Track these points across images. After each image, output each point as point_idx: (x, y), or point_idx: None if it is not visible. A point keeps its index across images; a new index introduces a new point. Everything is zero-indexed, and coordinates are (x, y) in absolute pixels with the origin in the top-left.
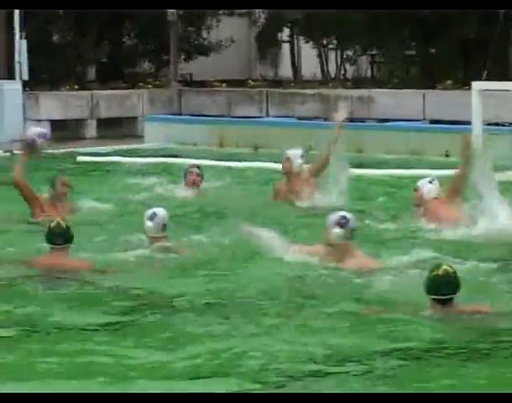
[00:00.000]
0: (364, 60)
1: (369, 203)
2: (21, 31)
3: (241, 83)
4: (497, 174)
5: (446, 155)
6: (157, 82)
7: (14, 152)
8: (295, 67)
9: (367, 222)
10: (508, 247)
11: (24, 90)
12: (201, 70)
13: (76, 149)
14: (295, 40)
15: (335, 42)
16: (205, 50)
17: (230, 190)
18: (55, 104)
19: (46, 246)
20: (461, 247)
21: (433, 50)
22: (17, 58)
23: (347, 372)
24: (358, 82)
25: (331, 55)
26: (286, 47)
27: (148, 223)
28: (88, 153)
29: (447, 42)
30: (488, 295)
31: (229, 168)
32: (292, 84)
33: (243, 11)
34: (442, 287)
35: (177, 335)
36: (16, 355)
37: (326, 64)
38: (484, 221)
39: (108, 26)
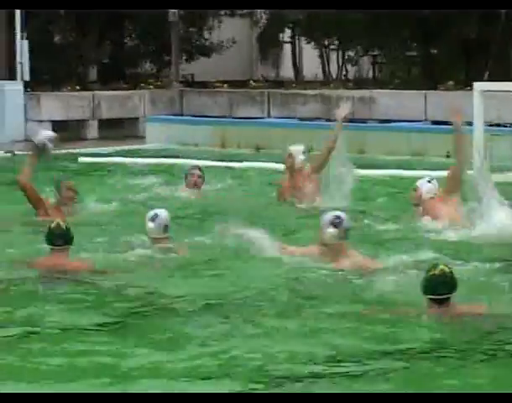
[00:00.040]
0: (366, 61)
1: (370, 203)
2: (22, 31)
3: (242, 84)
4: (497, 175)
5: (448, 156)
6: (158, 83)
7: (15, 152)
8: (297, 68)
9: (367, 222)
10: (507, 247)
11: (26, 90)
12: (203, 71)
13: (78, 150)
14: (297, 41)
15: (336, 43)
16: (206, 51)
17: (231, 191)
18: (57, 105)
19: (46, 247)
20: (460, 247)
21: (435, 51)
22: (18, 58)
23: (347, 372)
24: (360, 83)
25: (333, 56)
26: (288, 48)
27: (150, 224)
28: (89, 154)
29: (449, 42)
30: (488, 295)
31: (230, 168)
32: (294, 85)
33: (245, 12)
34: (439, 287)
35: (177, 335)
36: (16, 355)
37: (328, 64)
38: (484, 221)
39: (110, 26)
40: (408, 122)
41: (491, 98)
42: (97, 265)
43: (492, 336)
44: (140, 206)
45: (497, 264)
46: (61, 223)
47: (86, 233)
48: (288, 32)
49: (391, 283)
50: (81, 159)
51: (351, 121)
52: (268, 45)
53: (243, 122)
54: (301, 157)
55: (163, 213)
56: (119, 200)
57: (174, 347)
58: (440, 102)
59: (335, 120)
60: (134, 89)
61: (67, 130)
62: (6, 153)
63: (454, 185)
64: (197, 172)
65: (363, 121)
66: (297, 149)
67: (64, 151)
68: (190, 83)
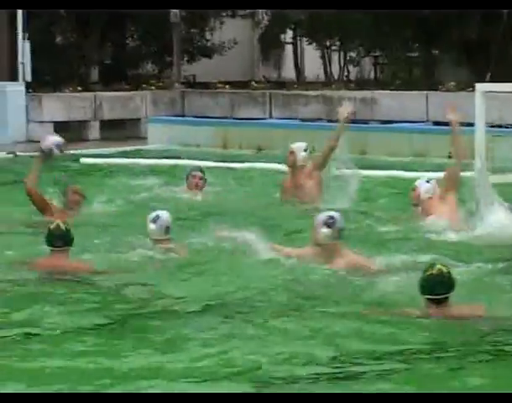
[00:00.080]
0: (367, 62)
1: (371, 204)
2: (24, 32)
3: (244, 85)
4: (499, 176)
5: (450, 157)
6: (160, 84)
7: (17, 153)
8: (298, 69)
9: (367, 222)
10: (506, 248)
11: (27, 91)
12: (204, 72)
13: (79, 151)
14: (298, 42)
15: (338, 43)
16: (208, 52)
17: (232, 192)
18: (58, 105)
19: (47, 248)
20: (459, 248)
21: (436, 52)
22: (20, 59)
23: (347, 372)
24: (361, 84)
25: (335, 57)
26: (289, 48)
27: (152, 226)
28: (91, 154)
29: (450, 43)
30: (487, 296)
31: (231, 169)
32: (295, 85)
33: (246, 12)
34: (436, 287)
35: (177, 336)
36: (15, 356)
37: (330, 65)
38: (482, 222)
39: (111, 27)
40: (409, 123)
41: (493, 99)
42: (98, 266)
43: (491, 336)
44: (141, 207)
45: (496, 265)
46: (61, 224)
47: (88, 234)
48: (289, 33)
49: (390, 283)
50: (83, 160)
51: (352, 122)
52: (269, 46)
53: (245, 123)
54: (303, 154)
55: (164, 215)
56: (120, 201)
57: (174, 348)
58: (441, 102)
59: (337, 121)
60: (136, 90)
61: (69, 131)
62: (8, 154)
63: (452, 185)
64: (199, 174)
65: (365, 122)
66: (299, 146)
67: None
68: (192, 84)
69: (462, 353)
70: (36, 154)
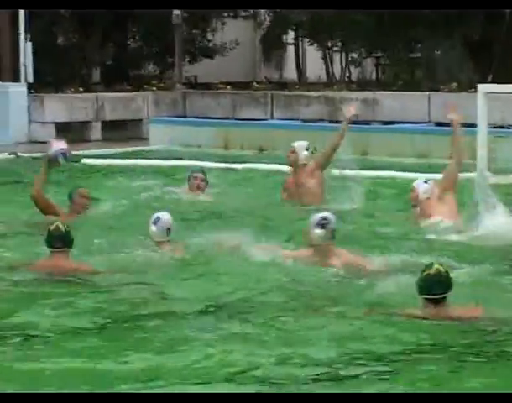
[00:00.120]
0: (369, 63)
1: (372, 205)
2: (26, 33)
3: (246, 85)
4: (501, 177)
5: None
6: (162, 84)
7: (19, 154)
8: (300, 69)
9: (367, 223)
10: (505, 250)
11: (29, 92)
12: (206, 73)
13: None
14: (300, 43)
15: (340, 44)
16: (210, 53)
17: (234, 193)
18: (60, 106)
19: (47, 249)
20: (458, 249)
21: (438, 52)
22: (22, 60)
23: (346, 373)
24: (363, 85)
25: (336, 58)
26: (291, 49)
27: (153, 228)
28: (93, 155)
29: (452, 44)
30: (487, 296)
31: (233, 170)
32: (297, 86)
33: (248, 13)
34: (434, 287)
35: (177, 337)
36: (15, 357)
37: (331, 66)
38: (481, 223)
39: (113, 28)
40: (411, 124)
41: (495, 100)
42: (98, 267)
43: (490, 336)
44: (143, 208)
45: (495, 266)
46: (60, 226)
47: (89, 235)
48: (291, 33)
49: (389, 283)
50: (85, 161)
51: (354, 122)
52: (271, 47)
53: (247, 124)
54: (304, 153)
55: (165, 216)
56: (122, 202)
57: (174, 348)
58: (443, 103)
59: (338, 121)
60: (138, 91)
61: (71, 132)
62: (9, 154)
63: (449, 185)
64: (200, 175)
65: (367, 122)
66: (300, 145)
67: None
68: (194, 85)
69: (462, 354)
70: (39, 155)
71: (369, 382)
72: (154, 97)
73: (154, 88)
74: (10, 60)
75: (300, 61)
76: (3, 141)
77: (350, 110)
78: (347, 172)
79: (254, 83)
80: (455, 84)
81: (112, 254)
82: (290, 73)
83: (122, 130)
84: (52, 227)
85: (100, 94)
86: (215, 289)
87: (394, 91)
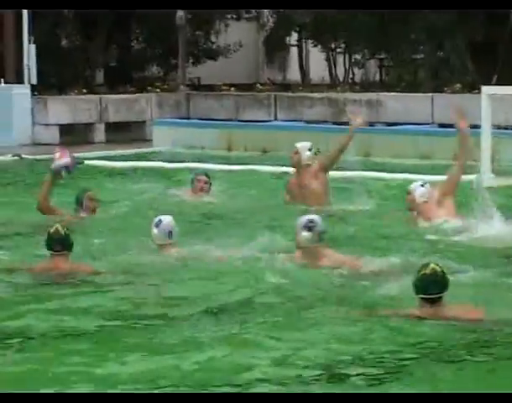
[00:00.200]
0: (373, 64)
1: (373, 206)
2: (30, 35)
3: (249, 87)
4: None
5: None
6: (165, 86)
7: (23, 156)
8: (304, 71)
9: (368, 223)
10: (504, 251)
11: (33, 94)
12: (209, 74)
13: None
14: (304, 44)
15: (343, 46)
16: (213, 54)
17: (237, 195)
18: (64, 108)
19: (47, 252)
20: (458, 250)
21: (442, 54)
22: (25, 62)
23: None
24: (367, 86)
25: (340, 59)
26: (294, 51)
27: (155, 231)
28: (96, 157)
29: (456, 45)
30: (487, 297)
31: (236, 172)
32: (300, 88)
33: (251, 15)
34: (430, 286)
35: (177, 338)
36: (14, 359)
37: (335, 67)
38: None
39: (117, 30)
40: (415, 126)
41: (499, 101)
42: (99, 268)
43: (489, 336)
44: (145, 209)
45: (494, 267)
46: (60, 229)
47: (91, 236)
48: (294, 35)
49: (386, 284)
50: (88, 163)
51: None
52: (274, 48)
53: (250, 126)
54: (307, 153)
55: (167, 219)
56: (124, 203)
57: (173, 349)
58: (447, 105)
59: (341, 123)
60: (141, 92)
61: (74, 134)
62: (13, 156)
63: (450, 189)
64: (204, 178)
65: (370, 124)
66: (303, 146)
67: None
68: (197, 86)
69: (462, 354)
70: (43, 157)
71: (369, 382)
72: (157, 99)
73: (158, 90)
74: (14, 62)
75: (304, 63)
76: (7, 143)
77: (357, 120)
78: (350, 173)
79: (258, 85)
80: (458, 85)
81: (113, 256)
82: (294, 74)
83: (125, 132)
84: (52, 230)
85: (103, 96)
86: (215, 290)
87: (397, 92)
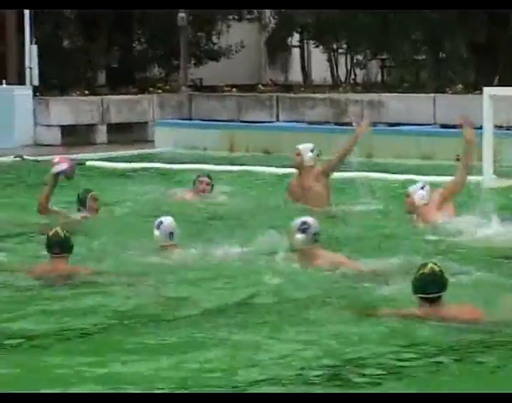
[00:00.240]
0: (374, 65)
1: (375, 206)
2: (31, 36)
3: (251, 88)
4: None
5: (458, 160)
6: (167, 87)
7: (24, 157)
8: (305, 72)
9: (368, 223)
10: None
11: (35, 95)
12: (211, 75)
13: (86, 155)
14: (305, 45)
15: (345, 46)
16: (215, 55)
17: (239, 196)
18: (66, 109)
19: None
20: (458, 251)
21: (443, 54)
22: (27, 63)
23: (345, 373)
24: (368, 87)
25: (341, 60)
26: (296, 52)
27: (156, 232)
28: (98, 158)
29: (458, 46)
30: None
31: (238, 173)
32: (302, 88)
33: (253, 16)
34: (429, 286)
35: (177, 339)
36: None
37: (336, 68)
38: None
39: (118, 31)
40: (417, 126)
41: (501, 102)
42: (100, 269)
43: (489, 336)
44: (147, 211)
45: (495, 268)
46: (59, 231)
47: (92, 237)
48: (296, 36)
49: (385, 284)
50: (89, 164)
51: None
52: (276, 49)
53: (252, 126)
54: (310, 155)
55: (168, 220)
56: (126, 204)
57: (173, 350)
58: (449, 105)
59: (343, 124)
60: (143, 93)
61: (76, 135)
62: (15, 157)
63: (451, 195)
64: (206, 179)
65: (372, 124)
66: (305, 147)
67: (73, 156)
68: (199, 87)
69: (461, 354)
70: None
71: (368, 382)
72: (159, 100)
73: (160, 91)
74: (16, 63)
75: (306, 63)
76: (9, 144)
77: (362, 127)
78: (352, 174)
79: (260, 85)
80: (460, 86)
81: (114, 257)
82: (296, 75)
83: (127, 133)
84: (51, 233)
85: (105, 97)
86: (215, 291)
87: (399, 93)
